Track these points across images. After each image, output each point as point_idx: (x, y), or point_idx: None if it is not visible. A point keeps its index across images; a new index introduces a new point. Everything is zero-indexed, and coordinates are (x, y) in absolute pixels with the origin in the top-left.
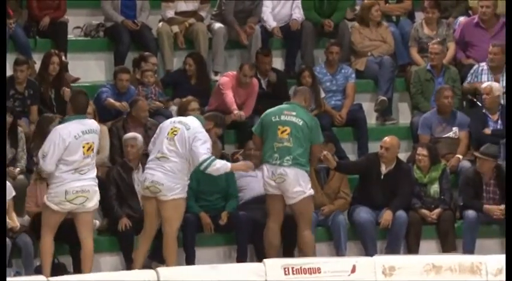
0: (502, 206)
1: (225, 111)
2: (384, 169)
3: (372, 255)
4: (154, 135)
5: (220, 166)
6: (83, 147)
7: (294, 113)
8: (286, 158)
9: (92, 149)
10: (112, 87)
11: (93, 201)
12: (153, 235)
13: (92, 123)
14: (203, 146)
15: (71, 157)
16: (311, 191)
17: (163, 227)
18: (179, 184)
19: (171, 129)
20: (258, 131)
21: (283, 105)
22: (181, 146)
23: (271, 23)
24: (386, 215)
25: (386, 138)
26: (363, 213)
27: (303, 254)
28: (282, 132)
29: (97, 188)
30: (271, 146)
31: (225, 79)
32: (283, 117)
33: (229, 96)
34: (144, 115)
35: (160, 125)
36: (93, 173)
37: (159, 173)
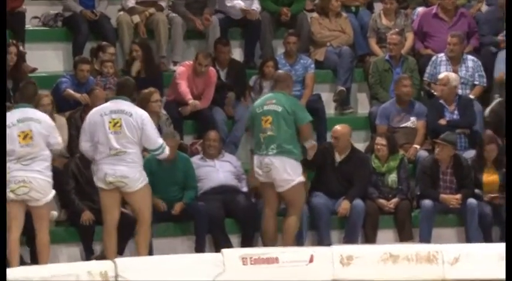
0: (458, 196)
1: (182, 102)
2: (338, 157)
3: (328, 243)
4: (85, 132)
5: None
6: (18, 136)
7: (274, 101)
8: (271, 147)
9: (31, 138)
10: (71, 78)
11: (39, 193)
12: (116, 226)
13: (31, 112)
14: (155, 131)
15: (9, 146)
16: (301, 178)
17: (136, 218)
18: (142, 171)
19: (110, 122)
20: (248, 124)
21: (267, 95)
22: (132, 135)
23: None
24: (344, 204)
25: (337, 127)
26: (319, 199)
27: (284, 238)
28: (265, 122)
29: (44, 181)
30: (258, 137)
31: (180, 69)
32: (265, 107)
33: (183, 86)
34: (98, 104)
35: (88, 121)
36: (40, 164)
37: (122, 167)
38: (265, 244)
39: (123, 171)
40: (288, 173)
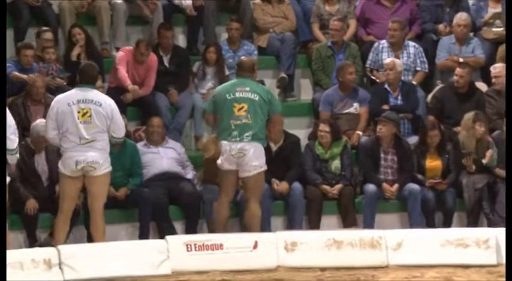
0: (395, 187)
1: (126, 88)
2: (273, 146)
3: (270, 230)
4: (52, 120)
5: None
6: (78, 112)
7: (248, 89)
8: (246, 135)
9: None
10: (15, 64)
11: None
12: (70, 216)
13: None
14: (122, 119)
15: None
16: (265, 167)
17: (91, 203)
18: (108, 158)
19: (79, 112)
20: (211, 109)
21: (234, 81)
22: (102, 124)
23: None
24: (283, 185)
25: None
26: None
27: (249, 226)
28: (239, 109)
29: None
30: (228, 124)
31: (120, 54)
32: (238, 94)
33: (122, 72)
34: (38, 91)
35: (55, 109)
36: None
37: (93, 153)
38: (212, 231)
39: (94, 156)
40: (258, 159)
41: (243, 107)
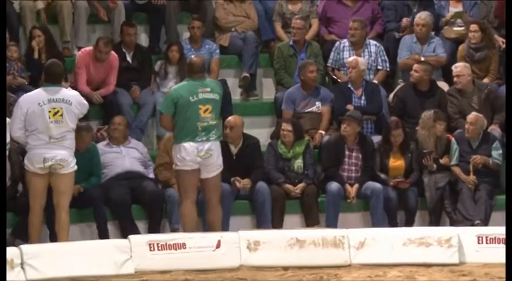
0: (355, 188)
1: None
2: (234, 149)
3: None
4: (19, 120)
5: None
6: (49, 111)
7: (209, 89)
8: (211, 134)
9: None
10: None
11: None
12: (42, 214)
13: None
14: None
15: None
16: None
17: (57, 201)
18: (73, 156)
19: (50, 111)
20: (170, 111)
21: (193, 83)
22: (72, 122)
23: None
24: (245, 181)
25: (230, 118)
26: (223, 185)
27: (213, 226)
28: (205, 111)
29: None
30: (194, 126)
31: (78, 58)
32: (201, 96)
33: (81, 79)
34: None
35: (25, 110)
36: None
37: (61, 151)
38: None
39: (63, 154)
40: (219, 159)
41: (208, 109)
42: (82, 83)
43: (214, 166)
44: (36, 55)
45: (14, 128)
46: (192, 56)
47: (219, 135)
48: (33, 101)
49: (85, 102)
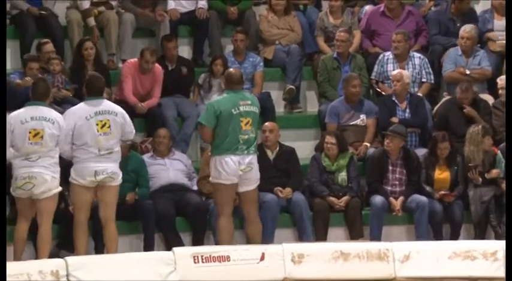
0: (400, 200)
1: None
2: (270, 155)
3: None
4: (67, 135)
5: None
6: (29, 133)
7: (249, 102)
8: (251, 148)
9: (41, 137)
10: (20, 75)
11: (42, 188)
12: (87, 227)
13: (47, 112)
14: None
15: (18, 143)
16: None
17: (105, 213)
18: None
19: (98, 124)
20: (212, 123)
21: (234, 95)
22: (118, 133)
23: (170, 5)
24: (286, 190)
25: (267, 123)
26: (267, 197)
27: (253, 239)
28: (246, 124)
29: (49, 176)
30: (235, 139)
31: (124, 68)
32: (242, 109)
33: (127, 88)
34: None
35: (72, 124)
36: (46, 160)
37: (111, 164)
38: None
39: (112, 167)
40: (258, 172)
41: (249, 121)
42: (128, 91)
43: (254, 179)
44: (88, 67)
45: (61, 144)
46: (230, 69)
47: (256, 149)
48: (80, 115)
49: (124, 111)
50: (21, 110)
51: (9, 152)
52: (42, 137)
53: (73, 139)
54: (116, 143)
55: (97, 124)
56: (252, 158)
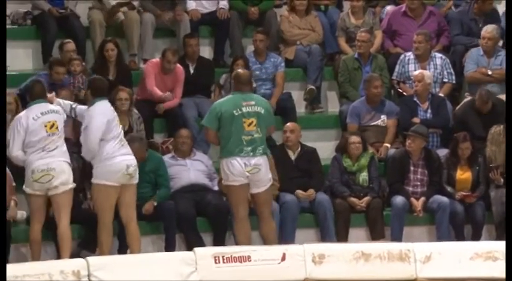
0: (421, 201)
1: (153, 100)
2: (292, 155)
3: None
4: (98, 131)
5: None
6: (45, 126)
7: (253, 103)
8: (258, 149)
9: (56, 127)
10: (46, 77)
11: (60, 179)
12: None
13: (51, 106)
14: None
15: (35, 137)
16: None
17: (127, 213)
18: None
19: (116, 121)
20: (215, 126)
21: (237, 96)
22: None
23: (190, 5)
24: (309, 192)
25: (288, 124)
26: (287, 197)
27: (267, 239)
28: (249, 124)
29: (66, 165)
30: (239, 140)
31: (147, 67)
32: (245, 109)
33: (151, 85)
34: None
35: (105, 119)
36: (62, 148)
37: (132, 156)
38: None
39: (135, 161)
40: (268, 173)
41: (252, 122)
42: (152, 86)
43: (264, 181)
44: (110, 68)
45: (93, 140)
46: (239, 69)
47: (266, 151)
48: (105, 112)
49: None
50: (27, 110)
51: (20, 154)
52: (57, 127)
53: (103, 134)
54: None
55: (117, 120)
56: (259, 160)
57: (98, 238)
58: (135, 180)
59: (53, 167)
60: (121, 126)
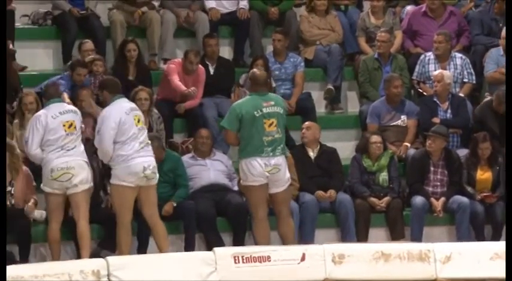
0: (441, 201)
1: (173, 100)
2: (312, 154)
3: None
4: (114, 132)
5: None
6: (64, 125)
7: (273, 103)
8: (277, 149)
9: (74, 127)
10: (67, 78)
11: (80, 177)
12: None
13: (69, 106)
14: None
15: (53, 135)
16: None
17: (150, 212)
18: None
19: (135, 119)
20: (235, 127)
21: (257, 97)
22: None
23: (210, 5)
24: (329, 192)
25: (306, 122)
26: (306, 197)
27: (286, 239)
28: (270, 125)
29: (85, 163)
30: (260, 141)
31: (170, 66)
32: (265, 110)
33: (175, 81)
34: (83, 104)
35: (117, 119)
36: (80, 148)
37: (152, 158)
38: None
39: (154, 162)
40: (287, 172)
41: (273, 123)
42: (177, 82)
43: (283, 181)
44: (130, 68)
45: (111, 141)
46: (255, 70)
47: (285, 150)
48: (120, 111)
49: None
50: (45, 108)
51: (39, 152)
52: (75, 127)
53: (116, 137)
54: (147, 137)
55: (134, 119)
56: (278, 159)
57: (117, 238)
58: (154, 181)
59: (72, 166)
60: (141, 126)
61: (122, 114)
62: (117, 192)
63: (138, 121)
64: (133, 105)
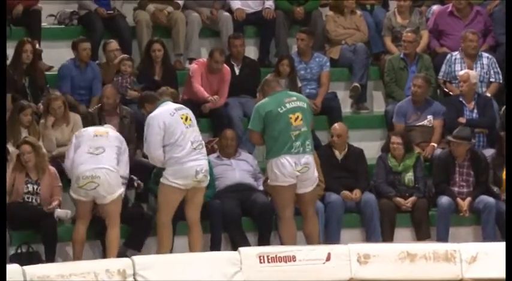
0: (467, 201)
1: (198, 101)
2: (338, 155)
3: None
4: (160, 137)
5: None
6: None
7: (295, 98)
8: (307, 144)
9: (107, 132)
10: (72, 62)
11: (105, 187)
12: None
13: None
14: None
15: (83, 139)
16: None
17: (193, 214)
18: None
19: (182, 118)
20: (259, 128)
21: (278, 94)
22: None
23: (235, 5)
24: (355, 193)
25: (336, 126)
26: (332, 197)
27: (311, 239)
28: (295, 119)
29: (112, 176)
30: (287, 136)
31: (194, 67)
32: (289, 105)
33: (197, 85)
34: (109, 102)
35: (162, 123)
36: (111, 154)
37: (205, 161)
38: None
39: (206, 165)
40: (315, 171)
41: (298, 116)
42: (199, 86)
43: (311, 180)
44: (156, 68)
45: (155, 150)
46: (268, 75)
47: (312, 147)
48: (163, 114)
49: None
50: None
51: (68, 161)
52: (107, 132)
53: (164, 140)
54: (199, 135)
55: (181, 117)
56: (308, 158)
57: (158, 237)
58: (205, 184)
59: (97, 175)
60: (189, 124)
61: (165, 118)
62: (166, 191)
63: (186, 119)
64: (178, 105)
